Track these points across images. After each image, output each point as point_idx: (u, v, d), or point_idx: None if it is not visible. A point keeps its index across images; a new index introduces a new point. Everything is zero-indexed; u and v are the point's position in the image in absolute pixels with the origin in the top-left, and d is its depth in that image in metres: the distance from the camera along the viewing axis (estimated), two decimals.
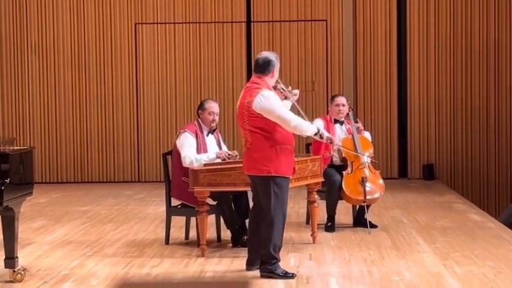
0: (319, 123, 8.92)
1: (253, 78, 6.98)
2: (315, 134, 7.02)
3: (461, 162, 14.34)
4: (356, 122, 9.34)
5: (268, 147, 6.76)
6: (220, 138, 8.50)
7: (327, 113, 9.87)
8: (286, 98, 7.25)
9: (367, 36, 14.38)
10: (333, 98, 9.49)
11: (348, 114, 9.32)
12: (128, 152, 14.59)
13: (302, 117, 7.03)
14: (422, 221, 9.78)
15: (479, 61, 14.27)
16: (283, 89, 7.17)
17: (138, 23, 14.51)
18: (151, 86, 14.55)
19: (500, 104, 14.26)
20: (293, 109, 7.17)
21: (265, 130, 6.77)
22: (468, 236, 8.67)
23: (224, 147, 8.44)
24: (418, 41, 14.34)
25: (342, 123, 9.29)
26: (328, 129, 9.08)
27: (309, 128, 6.95)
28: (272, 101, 6.76)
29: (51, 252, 8.15)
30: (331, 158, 9.16)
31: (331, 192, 9.01)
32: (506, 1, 14.22)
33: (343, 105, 9.25)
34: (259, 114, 6.75)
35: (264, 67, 6.90)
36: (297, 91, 7.38)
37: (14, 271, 6.80)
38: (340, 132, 9.22)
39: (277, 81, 7.02)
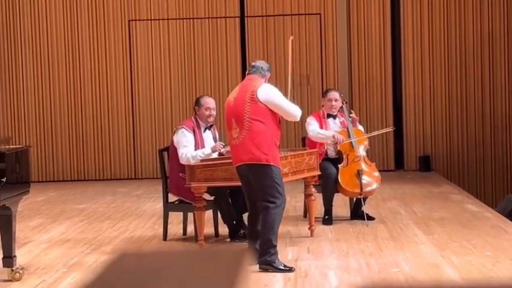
0: (314, 125, 8.96)
1: (250, 76, 7.18)
2: None
3: (457, 153, 14.35)
4: (350, 113, 9.35)
5: (267, 137, 6.93)
6: (217, 134, 8.50)
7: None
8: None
9: (361, 29, 14.36)
10: (325, 92, 9.50)
11: (341, 107, 9.32)
12: (124, 149, 14.57)
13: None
14: (420, 212, 9.79)
15: (474, 52, 14.27)
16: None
17: (132, 20, 14.49)
18: (146, 82, 14.52)
19: (495, 95, 14.26)
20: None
21: (265, 120, 6.94)
22: (465, 227, 8.68)
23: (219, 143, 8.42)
24: (412, 33, 14.34)
25: (335, 117, 9.28)
26: (321, 124, 9.09)
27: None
28: (275, 92, 7.07)
29: (49, 250, 8.15)
30: (326, 152, 9.16)
31: (327, 185, 9.00)
32: None
33: (336, 100, 9.22)
34: (263, 103, 6.93)
35: (263, 69, 7.20)
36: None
37: (12, 270, 6.80)
38: (333, 126, 9.21)
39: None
